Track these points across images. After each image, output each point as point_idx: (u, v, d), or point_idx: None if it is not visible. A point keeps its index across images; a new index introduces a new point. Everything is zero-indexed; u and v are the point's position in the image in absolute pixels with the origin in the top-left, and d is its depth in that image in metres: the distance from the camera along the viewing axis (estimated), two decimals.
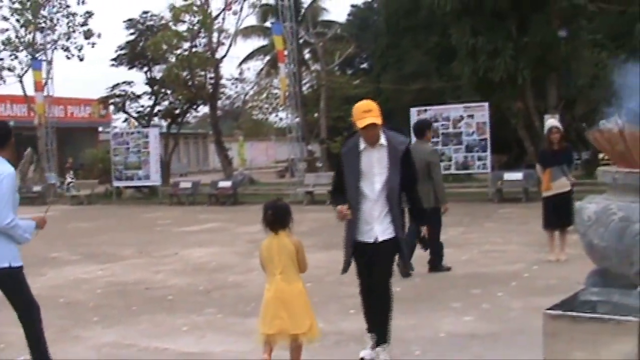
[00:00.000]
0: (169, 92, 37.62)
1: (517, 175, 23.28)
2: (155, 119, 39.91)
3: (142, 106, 39.37)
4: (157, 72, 37.42)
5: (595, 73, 26.75)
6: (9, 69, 36.17)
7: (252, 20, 43.28)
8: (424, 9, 31.88)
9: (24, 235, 6.00)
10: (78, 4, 35.90)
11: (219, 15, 34.67)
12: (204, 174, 45.82)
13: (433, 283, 10.11)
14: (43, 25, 35.74)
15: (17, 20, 35.59)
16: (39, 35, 35.99)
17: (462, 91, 32.57)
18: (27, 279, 6.25)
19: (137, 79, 39.18)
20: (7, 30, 35.82)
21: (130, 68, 38.06)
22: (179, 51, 34.01)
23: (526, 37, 24.02)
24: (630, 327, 4.20)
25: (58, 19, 36.20)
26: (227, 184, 28.33)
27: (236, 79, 46.98)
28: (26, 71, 35.98)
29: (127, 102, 38.87)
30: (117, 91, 38.32)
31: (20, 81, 36.44)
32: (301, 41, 42.59)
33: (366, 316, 6.63)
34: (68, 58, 36.66)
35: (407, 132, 23.09)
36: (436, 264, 11.01)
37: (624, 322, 4.24)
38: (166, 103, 39.05)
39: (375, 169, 6.38)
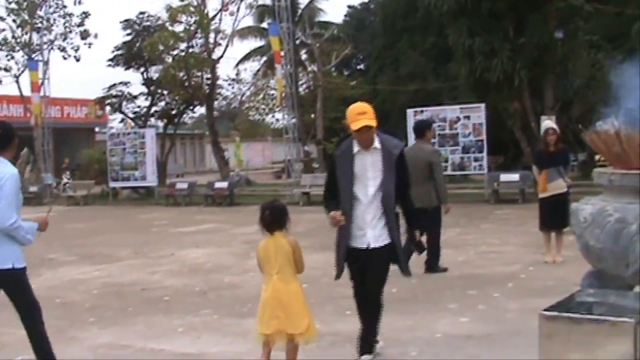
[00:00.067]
0: (165, 92, 37.61)
1: (514, 177, 23.29)
2: (152, 120, 39.87)
3: (139, 107, 39.36)
4: (154, 72, 37.40)
5: (591, 74, 26.79)
6: (6, 70, 36.15)
7: (248, 21, 43.43)
8: (420, 9, 31.86)
9: (26, 236, 5.99)
10: (75, 4, 35.86)
11: (215, 15, 34.75)
12: (201, 175, 45.82)
13: (429, 284, 10.11)
14: (39, 25, 35.72)
15: (14, 21, 35.60)
16: (35, 36, 36.00)
17: (458, 92, 32.61)
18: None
19: (133, 80, 39.34)
20: (3, 30, 35.89)
21: (126, 68, 38.02)
22: (175, 52, 34.01)
23: (523, 37, 24.04)
24: (626, 328, 4.20)
25: (54, 19, 36.22)
26: (223, 184, 28.30)
27: (233, 79, 47.07)
28: (22, 71, 35.96)
29: (124, 103, 38.84)
30: (113, 92, 38.28)
31: (17, 81, 36.48)
32: (298, 42, 42.56)
33: (361, 318, 6.57)
34: (64, 58, 36.70)
35: (403, 133, 23.17)
36: (433, 265, 11.03)
37: (620, 323, 4.24)
38: (163, 104, 39.03)
39: (369, 173, 6.25)
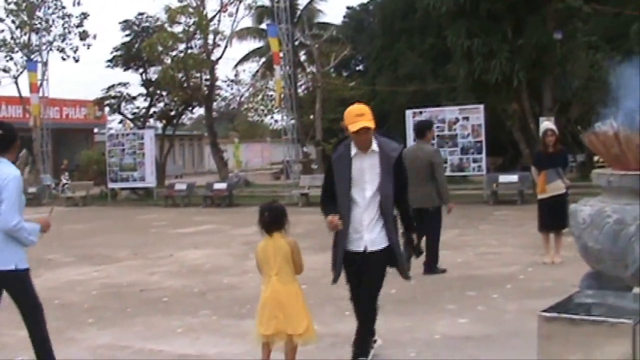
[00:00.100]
0: (164, 93, 37.66)
1: (513, 178, 23.29)
2: (151, 121, 39.95)
3: (138, 107, 39.44)
4: (153, 73, 37.46)
5: (590, 75, 26.80)
6: (4, 70, 36.15)
7: (247, 22, 43.35)
8: (419, 11, 31.92)
9: (29, 237, 6.00)
10: (74, 5, 35.92)
11: (214, 16, 34.75)
12: (199, 176, 45.79)
13: (428, 285, 10.12)
14: (38, 26, 35.73)
15: (13, 22, 35.60)
16: (34, 37, 36.00)
17: (457, 93, 32.62)
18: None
19: (132, 81, 39.45)
20: (2, 31, 35.92)
21: (125, 69, 38.07)
22: (174, 53, 34.02)
23: (521, 39, 24.04)
24: (625, 330, 4.21)
25: (53, 20, 36.22)
26: (222, 185, 28.30)
27: (232, 80, 47.01)
28: (21, 72, 35.96)
29: (123, 104, 38.90)
30: (112, 92, 38.34)
31: (16, 82, 36.48)
32: (297, 43, 42.59)
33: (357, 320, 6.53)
34: (63, 59, 36.69)
35: (401, 135, 23.16)
36: (431, 266, 11.03)
37: (619, 325, 4.24)
38: (161, 104, 39.09)
39: (366, 176, 6.15)
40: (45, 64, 35.63)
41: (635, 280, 5.11)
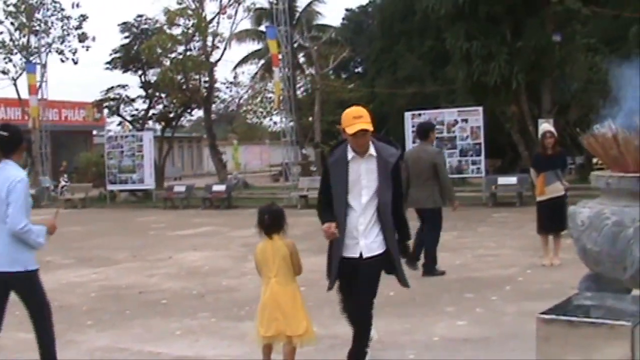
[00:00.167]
0: (163, 95, 37.67)
1: (511, 180, 23.31)
2: (150, 123, 39.94)
3: (137, 110, 39.45)
4: (152, 75, 37.48)
5: (589, 77, 26.84)
6: (3, 72, 36.11)
7: (246, 24, 43.33)
8: (418, 13, 31.94)
9: (37, 239, 6.02)
10: (72, 7, 35.93)
11: (213, 19, 34.73)
12: (198, 178, 45.78)
13: (427, 287, 10.11)
14: (37, 28, 35.74)
15: (12, 24, 35.60)
16: (33, 39, 36.00)
17: (456, 95, 32.66)
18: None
19: (131, 83, 39.40)
20: (1, 33, 35.90)
21: (124, 71, 38.07)
22: (173, 55, 34.02)
23: (520, 41, 24.04)
24: (624, 332, 4.21)
25: (52, 22, 36.24)
26: (221, 187, 28.32)
27: (230, 82, 47.05)
28: (20, 74, 35.94)
29: (122, 106, 38.92)
30: (111, 94, 38.35)
31: (15, 84, 36.43)
32: (296, 45, 42.60)
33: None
34: (62, 61, 36.70)
35: (400, 137, 23.17)
36: (430, 268, 11.04)
37: (617, 327, 4.24)
38: (160, 107, 39.11)
39: (363, 181, 5.96)
40: (44, 66, 35.66)
41: (634, 282, 5.11)
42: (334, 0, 60.13)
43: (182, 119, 42.19)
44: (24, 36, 35.94)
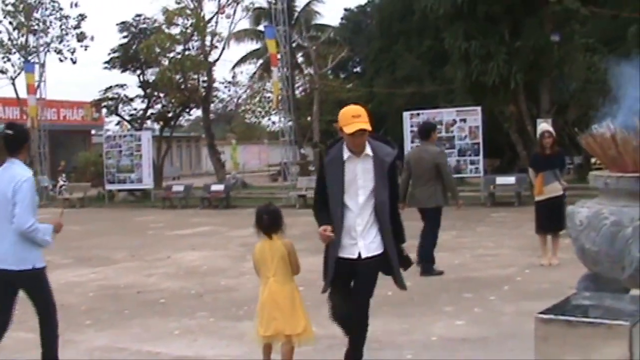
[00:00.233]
0: (161, 95, 37.63)
1: (510, 180, 23.32)
2: (148, 122, 39.91)
3: (135, 109, 39.42)
4: (150, 75, 37.45)
5: (587, 77, 26.85)
6: (2, 72, 36.10)
7: (245, 24, 43.29)
8: (417, 13, 31.95)
9: (44, 238, 6.08)
10: (71, 6, 35.88)
11: (212, 18, 34.71)
12: (197, 178, 45.76)
13: (425, 287, 10.11)
14: (36, 27, 35.73)
15: (10, 23, 35.59)
16: (31, 38, 36.00)
17: (455, 95, 32.68)
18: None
19: (130, 82, 39.19)
20: None
21: (123, 71, 38.04)
22: (172, 54, 33.99)
23: (519, 41, 24.06)
24: (622, 332, 4.21)
25: (51, 22, 36.23)
26: (219, 187, 28.31)
27: (229, 82, 47.03)
28: (19, 74, 35.93)
29: (120, 105, 38.88)
30: (109, 94, 38.32)
31: (13, 84, 36.42)
32: (294, 45, 42.64)
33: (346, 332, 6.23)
34: (61, 61, 36.70)
35: (398, 137, 23.17)
36: (428, 268, 11.05)
37: (616, 327, 4.25)
38: (159, 106, 39.07)
39: (359, 181, 5.88)
40: (42, 65, 35.64)
41: (632, 282, 5.11)
42: (332, 0, 60.14)
43: (181, 118, 42.18)
44: (22, 35, 35.94)
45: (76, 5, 35.84)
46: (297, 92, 42.29)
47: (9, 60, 36.07)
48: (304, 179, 27.72)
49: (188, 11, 33.65)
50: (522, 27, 24.22)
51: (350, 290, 6.04)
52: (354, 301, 6.00)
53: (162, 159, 38.95)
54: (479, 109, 24.24)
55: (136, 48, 35.64)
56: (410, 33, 39.64)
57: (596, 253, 5.14)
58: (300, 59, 46.23)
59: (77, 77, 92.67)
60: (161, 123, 39.84)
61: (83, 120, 46.69)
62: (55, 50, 36.36)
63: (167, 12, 33.22)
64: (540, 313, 4.55)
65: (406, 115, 25.18)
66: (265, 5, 41.03)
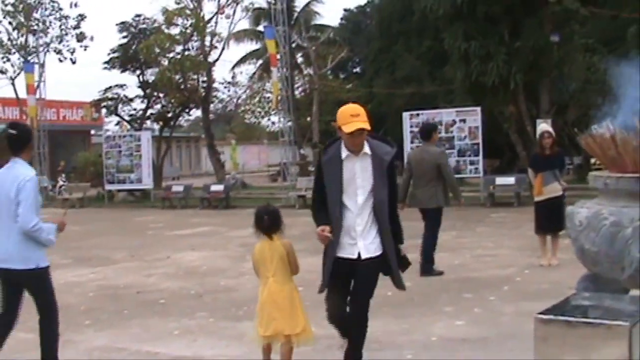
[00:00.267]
0: (161, 95, 37.64)
1: (509, 180, 23.33)
2: (148, 122, 39.91)
3: (135, 109, 39.43)
4: (150, 75, 37.46)
5: (587, 77, 26.85)
6: (1, 72, 36.13)
7: (244, 24, 43.31)
8: (416, 13, 31.95)
9: (48, 237, 6.11)
10: (71, 6, 35.89)
11: (211, 18, 34.73)
12: (196, 178, 45.76)
13: (425, 287, 10.11)
14: (35, 28, 35.73)
15: (10, 23, 35.59)
16: (31, 38, 36.00)
17: (454, 95, 32.68)
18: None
19: (129, 82, 39.16)
20: None
21: (122, 71, 38.04)
22: (171, 54, 34.00)
23: (519, 41, 24.07)
24: (621, 332, 4.21)
25: (50, 22, 36.23)
26: (219, 187, 28.31)
27: (229, 82, 47.06)
28: (18, 74, 35.94)
29: (120, 105, 38.88)
30: (109, 94, 38.32)
31: (13, 84, 36.42)
32: (294, 45, 42.64)
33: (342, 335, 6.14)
34: (60, 61, 36.70)
35: (398, 137, 23.17)
36: (428, 268, 11.06)
37: (615, 327, 4.25)
38: (158, 106, 39.07)
39: (358, 180, 5.79)
40: (42, 65, 35.65)
41: (632, 283, 5.11)
42: (332, 1, 60.26)
43: (180, 118, 42.18)
44: (22, 36, 35.94)
45: (76, 5, 35.91)
46: (296, 92, 42.31)
47: (8, 60, 36.13)
48: (304, 179, 27.71)
49: (188, 11, 33.66)
50: (522, 28, 24.23)
51: (348, 290, 5.96)
52: (354, 302, 5.93)
53: (161, 159, 38.95)
54: (478, 109, 24.25)
55: (136, 48, 35.64)
56: (410, 33, 39.64)
57: (596, 253, 5.14)
58: (299, 59, 46.24)
59: (77, 77, 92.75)
60: (161, 123, 39.84)
61: (83, 120, 46.67)
62: (54, 51, 36.40)
63: (167, 12, 33.23)
64: (540, 313, 4.55)
65: (406, 115, 25.18)
66: (264, 5, 41.08)
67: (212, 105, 41.67)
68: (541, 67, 24.59)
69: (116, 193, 32.85)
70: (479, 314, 8.44)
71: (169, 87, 34.12)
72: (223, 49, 35.98)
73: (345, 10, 56.57)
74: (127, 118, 39.38)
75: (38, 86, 35.03)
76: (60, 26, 36.33)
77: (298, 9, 45.48)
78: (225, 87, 46.36)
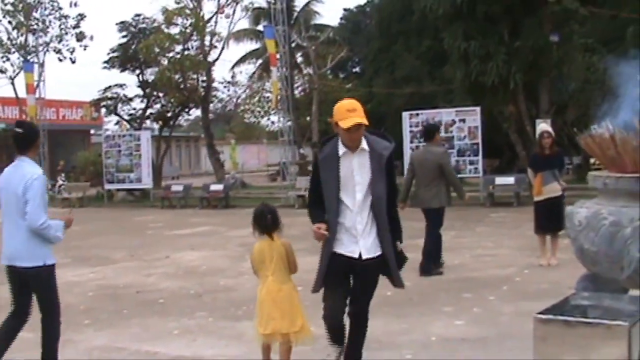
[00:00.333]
0: (161, 95, 37.60)
1: (509, 180, 23.34)
2: (147, 122, 39.88)
3: (134, 109, 39.37)
4: (149, 74, 37.43)
5: (587, 77, 26.85)
6: (1, 71, 36.07)
7: (244, 24, 43.30)
8: (416, 13, 31.95)
9: (56, 234, 6.18)
10: (70, 6, 35.87)
11: (211, 18, 34.75)
12: (196, 177, 45.76)
13: (425, 287, 10.12)
14: (35, 27, 35.70)
15: (9, 22, 35.55)
16: (31, 38, 35.96)
17: (454, 95, 32.67)
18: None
19: (129, 82, 39.07)
20: None
21: (122, 71, 38.02)
22: (171, 54, 34.00)
23: (518, 41, 24.06)
24: (621, 332, 4.21)
25: (50, 21, 36.19)
26: (218, 187, 28.32)
27: (228, 82, 47.03)
28: (18, 73, 35.91)
29: (119, 105, 38.84)
30: (109, 94, 38.28)
31: (12, 83, 36.39)
32: (293, 45, 42.63)
33: (332, 339, 6.01)
34: (60, 60, 36.64)
35: (397, 137, 23.13)
36: (427, 268, 11.07)
37: (614, 327, 4.25)
38: (158, 106, 39.03)
39: (356, 177, 5.66)
40: (41, 65, 35.64)
41: (631, 282, 5.11)
42: (331, 0, 60.19)
43: (180, 118, 42.12)
44: (21, 35, 35.90)
45: (75, 4, 35.88)
46: (296, 92, 42.30)
47: (8, 59, 36.08)
48: (303, 178, 27.66)
49: (187, 11, 33.67)
50: (522, 28, 24.23)
51: (346, 290, 5.86)
52: (355, 303, 5.86)
53: (161, 158, 38.94)
54: (478, 109, 24.25)
55: (135, 48, 35.63)
56: (410, 33, 39.63)
57: (595, 253, 5.14)
58: (299, 59, 46.24)
59: (76, 77, 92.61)
60: (160, 123, 39.81)
61: (82, 119, 46.67)
62: (54, 50, 36.35)
63: (167, 11, 33.23)
64: (539, 313, 4.55)
65: (405, 115, 25.18)
66: (264, 5, 41.08)
67: (211, 105, 41.68)
68: (541, 67, 24.59)
69: (116, 192, 32.87)
70: (478, 314, 8.44)
71: (168, 86, 34.11)
72: (223, 48, 36.04)
73: (344, 9, 56.66)
74: (126, 117, 39.36)
75: (37, 86, 35.03)
76: (59, 25, 36.31)
77: (298, 9, 45.49)
78: (224, 87, 46.40)
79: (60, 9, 36.22)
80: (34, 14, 35.63)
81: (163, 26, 34.29)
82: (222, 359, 7.12)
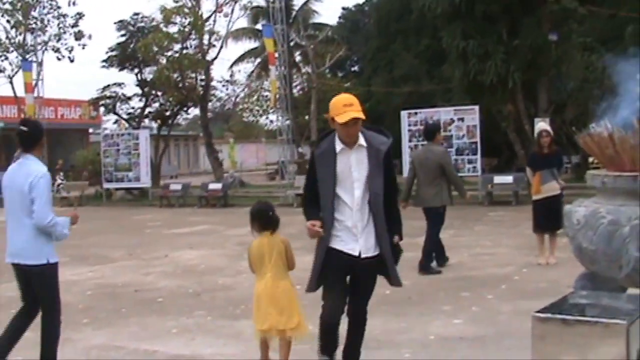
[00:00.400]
0: (159, 93, 37.54)
1: (507, 179, 23.35)
2: (146, 121, 39.82)
3: (133, 108, 39.30)
4: (148, 73, 37.35)
5: (585, 76, 26.85)
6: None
7: (243, 23, 43.40)
8: (414, 12, 31.97)
9: (62, 231, 6.19)
10: (69, 5, 35.79)
11: (210, 17, 34.75)
12: (194, 176, 45.76)
13: (423, 286, 10.13)
14: (33, 26, 35.64)
15: (8, 21, 35.49)
16: (29, 36, 35.90)
17: (452, 94, 32.69)
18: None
19: (127, 81, 39.28)
20: None
21: (120, 69, 37.96)
22: (169, 53, 33.98)
23: (517, 40, 24.08)
24: (619, 330, 4.22)
25: (49, 20, 36.11)
26: (217, 186, 28.29)
27: (227, 81, 47.04)
28: (16, 72, 35.84)
29: (118, 104, 38.77)
30: (107, 93, 38.20)
31: (11, 82, 36.33)
32: (292, 43, 42.59)
33: (324, 339, 5.94)
34: (59, 59, 36.58)
35: (396, 136, 23.14)
36: (426, 267, 11.09)
37: (613, 325, 4.25)
38: (157, 105, 38.97)
39: (354, 173, 5.57)
40: (40, 63, 35.57)
41: (630, 281, 5.12)
42: None
43: (179, 117, 42.11)
44: (20, 34, 35.84)
45: (74, 3, 35.76)
46: (294, 90, 42.31)
47: (6, 58, 35.99)
48: (302, 177, 27.63)
49: (186, 10, 33.65)
50: (520, 26, 24.24)
51: (345, 289, 5.79)
52: (354, 302, 5.83)
53: (159, 157, 38.91)
54: (476, 108, 24.23)
55: (134, 47, 35.58)
56: (408, 32, 39.63)
57: (593, 252, 5.14)
58: (298, 58, 46.23)
59: (75, 76, 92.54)
60: (159, 122, 39.76)
61: (81, 118, 46.60)
62: (52, 49, 36.27)
63: (165, 10, 33.21)
64: (538, 312, 4.56)
65: (404, 114, 25.16)
66: (263, 3, 41.04)
67: (210, 104, 41.70)
68: (539, 65, 24.60)
69: (114, 191, 32.85)
70: (476, 313, 8.44)
71: (167, 85, 34.08)
72: (221, 47, 36.08)
73: (343, 8, 56.61)
74: (125, 116, 39.30)
75: (36, 84, 34.97)
76: (58, 24, 36.24)
77: (296, 8, 45.46)
78: (223, 86, 46.41)
79: (59, 7, 36.19)
80: (33, 12, 35.56)
81: (162, 25, 34.27)
82: (220, 357, 7.12)
